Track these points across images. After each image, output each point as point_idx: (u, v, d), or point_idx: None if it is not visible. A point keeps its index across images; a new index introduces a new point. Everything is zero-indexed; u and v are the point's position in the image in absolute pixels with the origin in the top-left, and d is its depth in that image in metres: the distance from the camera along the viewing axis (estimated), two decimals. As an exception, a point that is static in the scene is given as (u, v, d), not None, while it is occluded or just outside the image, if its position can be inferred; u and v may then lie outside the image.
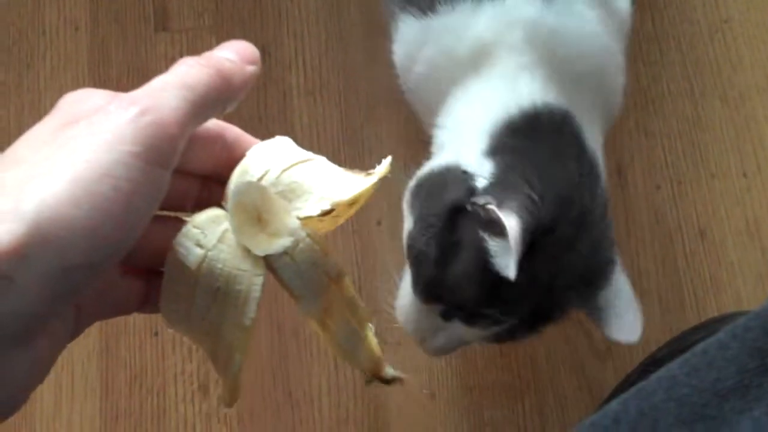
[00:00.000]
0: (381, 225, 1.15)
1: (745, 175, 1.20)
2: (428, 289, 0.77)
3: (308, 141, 1.17)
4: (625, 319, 0.77)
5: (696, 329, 1.06)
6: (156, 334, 1.12)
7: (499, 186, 0.74)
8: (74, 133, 0.38)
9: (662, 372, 0.40)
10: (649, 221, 1.18)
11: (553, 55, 0.81)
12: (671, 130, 1.22)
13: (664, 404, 0.38)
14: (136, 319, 1.12)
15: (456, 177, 0.77)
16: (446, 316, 0.78)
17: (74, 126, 0.39)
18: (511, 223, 0.67)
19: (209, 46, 0.46)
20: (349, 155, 1.19)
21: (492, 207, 0.69)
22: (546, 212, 0.71)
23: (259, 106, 1.21)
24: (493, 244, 0.71)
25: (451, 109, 0.85)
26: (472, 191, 0.75)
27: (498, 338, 0.80)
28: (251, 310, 0.44)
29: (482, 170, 0.76)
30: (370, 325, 0.51)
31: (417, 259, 0.77)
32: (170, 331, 1.09)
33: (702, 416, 0.37)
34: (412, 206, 0.80)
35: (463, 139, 0.81)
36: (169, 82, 0.41)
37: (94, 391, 1.10)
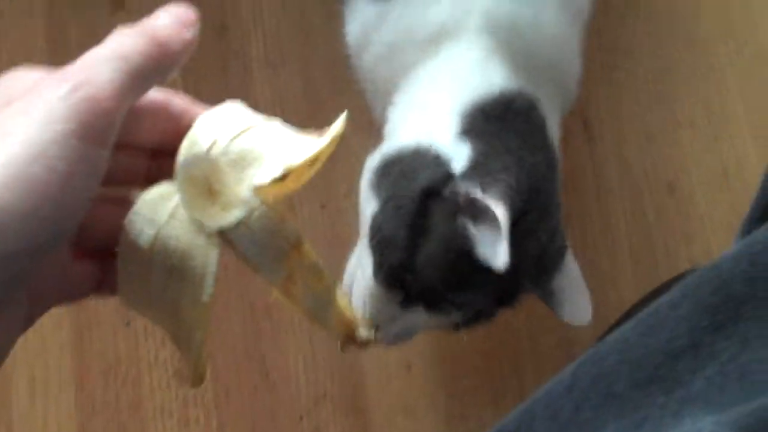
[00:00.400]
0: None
1: (711, 124, 1.19)
2: (392, 275, 0.75)
3: (272, 114, 1.14)
4: (577, 302, 0.79)
5: (669, 284, 1.07)
6: (128, 324, 1.11)
7: (478, 171, 0.73)
8: (7, 115, 0.37)
9: (615, 335, 0.40)
10: (618, 175, 1.17)
11: (513, 43, 0.82)
12: (636, 81, 1.21)
13: (617, 367, 0.38)
14: (108, 309, 1.11)
15: (429, 159, 0.76)
16: (405, 304, 0.76)
17: (7, 108, 0.38)
18: (500, 211, 0.67)
19: (168, 24, 0.44)
20: (317, 125, 1.17)
21: (478, 196, 0.69)
22: (520, 200, 0.72)
23: (220, 82, 1.19)
24: (476, 232, 0.71)
25: (410, 89, 0.85)
26: (449, 175, 0.74)
27: (456, 326, 0.79)
28: (208, 286, 0.43)
29: (458, 153, 0.75)
30: (341, 287, 0.51)
31: (382, 244, 0.76)
32: (143, 319, 1.09)
33: (655, 377, 0.37)
34: (378, 187, 0.78)
35: (431, 119, 0.80)
36: (103, 54, 0.40)
37: (69, 384, 1.09)
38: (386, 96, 0.87)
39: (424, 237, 0.73)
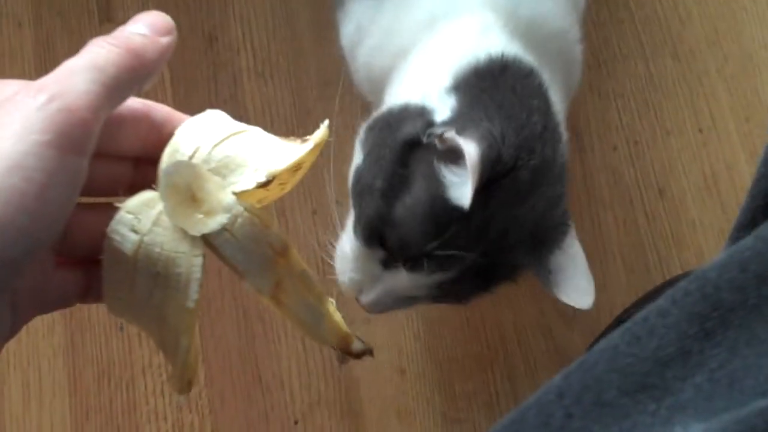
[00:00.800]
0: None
1: (700, 130, 1.20)
2: (371, 228, 0.74)
3: (261, 123, 1.14)
4: (578, 284, 0.76)
5: (660, 288, 1.07)
6: (121, 328, 1.11)
7: (459, 119, 0.72)
8: None
9: (604, 342, 0.40)
10: (608, 182, 1.18)
11: (516, 17, 0.81)
12: (625, 90, 1.22)
13: (606, 375, 0.38)
14: (101, 314, 1.11)
15: (414, 112, 0.75)
16: (387, 263, 0.75)
17: None
18: (470, 148, 0.65)
19: (155, 35, 0.44)
20: (305, 134, 1.17)
21: (450, 134, 0.67)
22: (506, 152, 0.70)
23: (210, 92, 1.20)
24: (448, 174, 0.69)
25: (407, 69, 0.83)
26: (430, 125, 0.73)
27: (442, 293, 0.76)
28: (193, 292, 0.44)
29: (443, 105, 0.74)
30: (332, 300, 0.51)
31: (362, 194, 0.75)
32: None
33: (645, 385, 0.37)
34: (365, 142, 0.78)
35: (423, 80, 0.79)
36: (78, 65, 0.40)
37: (63, 389, 1.09)
38: (383, 87, 0.87)
39: (404, 187, 0.72)
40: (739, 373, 0.36)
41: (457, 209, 0.69)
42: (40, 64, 1.22)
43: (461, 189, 0.68)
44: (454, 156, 0.69)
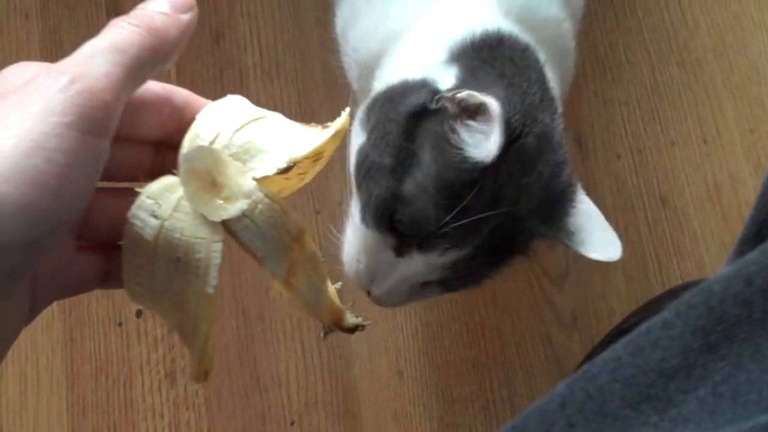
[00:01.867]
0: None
1: (705, 141, 1.20)
2: (382, 209, 0.71)
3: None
4: (601, 238, 0.74)
5: (661, 298, 1.07)
6: (120, 324, 1.11)
7: (466, 85, 0.70)
8: (5, 108, 0.37)
9: (608, 353, 0.40)
10: (611, 190, 1.18)
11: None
12: (630, 98, 1.22)
13: (609, 386, 0.38)
14: (100, 310, 1.11)
15: (416, 85, 0.74)
16: (399, 250, 0.73)
17: (3, 102, 0.37)
18: (491, 100, 0.64)
19: (163, 29, 0.44)
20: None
21: (465, 93, 0.66)
22: (514, 117, 0.69)
23: (215, 89, 1.19)
24: (466, 134, 0.68)
25: (400, 49, 0.82)
26: (436, 93, 0.71)
27: (457, 273, 0.74)
28: (213, 278, 0.43)
29: (446, 75, 0.73)
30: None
31: (369, 174, 0.73)
32: (135, 320, 1.09)
33: (648, 397, 0.37)
34: (366, 121, 0.76)
35: (420, 55, 0.78)
36: (99, 46, 0.39)
37: (60, 384, 1.09)
38: (370, 73, 0.86)
39: (413, 162, 0.70)
40: (743, 387, 0.36)
41: (468, 180, 0.68)
42: (47, 56, 1.22)
43: (484, 144, 0.67)
44: (471, 114, 0.68)
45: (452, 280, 0.76)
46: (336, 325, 0.51)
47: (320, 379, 1.10)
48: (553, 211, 0.73)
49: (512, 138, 0.69)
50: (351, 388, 1.09)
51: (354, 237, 0.76)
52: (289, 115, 0.42)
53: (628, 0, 1.25)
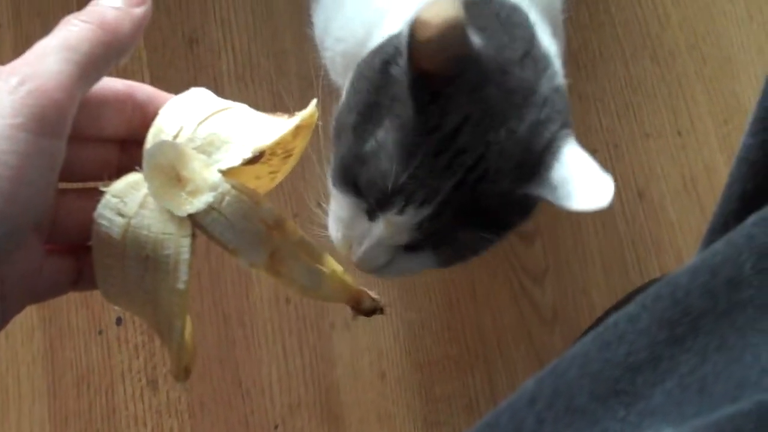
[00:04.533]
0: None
1: (679, 133, 1.21)
2: (343, 168, 0.71)
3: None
4: (588, 186, 0.66)
5: (640, 290, 1.07)
6: (100, 332, 1.10)
7: None
8: None
9: (576, 348, 0.40)
10: (588, 185, 1.18)
11: None
12: (604, 93, 1.22)
13: (578, 381, 0.38)
14: (80, 318, 1.10)
15: (394, 38, 0.71)
16: (371, 214, 0.72)
17: None
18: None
19: (136, 36, 0.43)
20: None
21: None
22: (482, 58, 0.67)
23: (190, 94, 1.19)
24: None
25: (383, 24, 0.79)
26: None
27: (425, 234, 0.71)
28: (183, 273, 0.43)
29: None
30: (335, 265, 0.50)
31: (338, 134, 0.72)
32: (115, 328, 1.09)
33: (615, 391, 0.37)
34: (351, 88, 0.75)
35: (401, 16, 0.75)
36: (50, 45, 0.39)
37: (42, 394, 1.09)
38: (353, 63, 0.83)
39: (377, 119, 0.69)
40: (709, 378, 0.36)
41: (425, 138, 0.66)
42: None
43: None
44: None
45: (437, 251, 0.74)
46: (353, 308, 0.51)
47: (303, 382, 1.09)
48: (532, 169, 0.69)
49: (473, 79, 0.66)
50: (334, 390, 1.09)
51: (333, 204, 0.76)
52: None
53: (600, -5, 1.25)
